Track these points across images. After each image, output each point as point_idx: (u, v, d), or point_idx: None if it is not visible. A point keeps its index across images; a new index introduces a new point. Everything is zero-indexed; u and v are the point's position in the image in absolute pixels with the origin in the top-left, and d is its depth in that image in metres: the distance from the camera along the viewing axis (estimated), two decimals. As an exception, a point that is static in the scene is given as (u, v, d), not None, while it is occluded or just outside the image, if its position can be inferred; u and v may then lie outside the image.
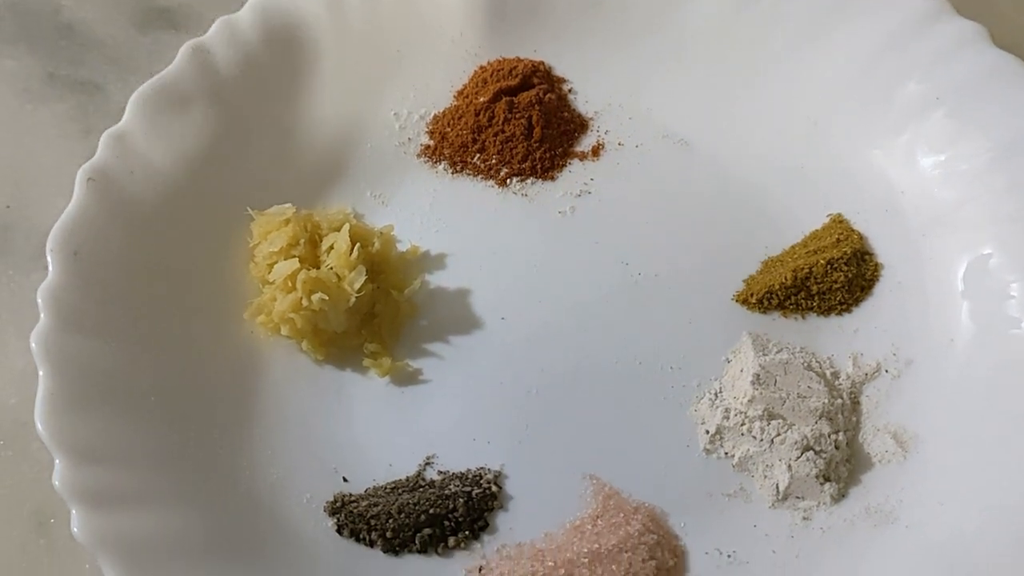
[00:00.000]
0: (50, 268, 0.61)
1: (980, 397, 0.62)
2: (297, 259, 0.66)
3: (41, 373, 0.57)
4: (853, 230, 0.70)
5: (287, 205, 0.69)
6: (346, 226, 0.67)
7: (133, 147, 0.67)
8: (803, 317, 0.68)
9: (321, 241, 0.68)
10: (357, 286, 0.66)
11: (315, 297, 0.64)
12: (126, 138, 0.67)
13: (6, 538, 0.61)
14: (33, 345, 0.57)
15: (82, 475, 0.54)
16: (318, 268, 0.66)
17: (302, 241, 0.67)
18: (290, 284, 0.65)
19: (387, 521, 0.60)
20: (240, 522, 0.58)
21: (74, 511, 0.53)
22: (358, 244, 0.67)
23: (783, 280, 0.68)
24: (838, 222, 0.71)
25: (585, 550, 0.58)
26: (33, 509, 0.62)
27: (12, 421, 0.65)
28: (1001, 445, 0.59)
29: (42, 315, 0.59)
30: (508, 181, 0.75)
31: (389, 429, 0.64)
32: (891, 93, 0.72)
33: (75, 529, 0.52)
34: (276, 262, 0.67)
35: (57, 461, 0.54)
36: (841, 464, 0.61)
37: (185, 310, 0.65)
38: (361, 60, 0.76)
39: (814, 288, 0.68)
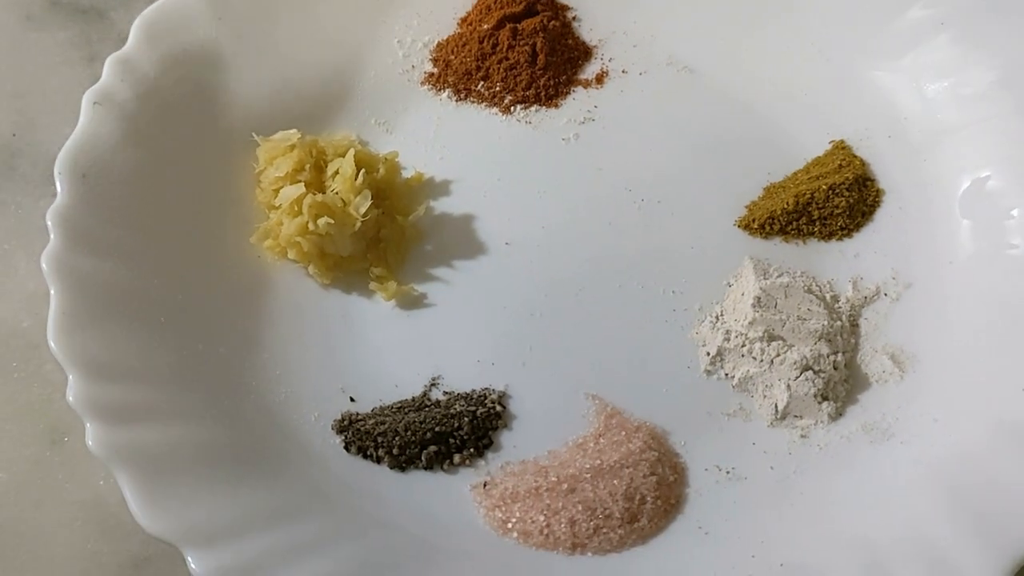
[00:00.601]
0: (59, 190, 0.61)
1: (976, 318, 0.62)
2: (303, 184, 0.66)
3: (52, 292, 0.57)
4: (855, 156, 0.71)
5: (292, 131, 0.69)
6: (351, 151, 0.68)
7: (138, 71, 0.67)
8: (804, 242, 0.69)
9: (326, 167, 0.69)
10: (363, 210, 0.66)
11: (321, 221, 0.65)
12: (130, 62, 0.67)
13: (20, 456, 0.62)
14: (44, 265, 0.58)
15: (95, 390, 0.55)
16: (324, 193, 0.67)
17: (307, 166, 0.68)
18: (296, 208, 0.66)
19: (393, 439, 0.61)
20: (250, 437, 0.59)
21: (89, 425, 0.54)
22: (363, 169, 0.67)
23: (785, 205, 0.68)
24: (840, 148, 0.71)
25: (587, 466, 0.60)
26: (47, 427, 0.63)
27: (25, 344, 0.66)
28: (995, 364, 0.60)
29: (52, 236, 0.59)
30: (512, 108, 0.75)
31: (395, 351, 0.65)
32: (895, 17, 0.72)
33: (90, 443, 0.53)
34: (282, 187, 0.67)
35: (71, 377, 0.55)
36: (839, 384, 0.62)
37: (192, 233, 0.66)
38: (365, -15, 0.76)
39: (815, 213, 0.68)
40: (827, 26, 0.74)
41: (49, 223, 0.60)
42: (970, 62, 0.69)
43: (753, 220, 0.69)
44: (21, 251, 0.69)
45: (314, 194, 0.66)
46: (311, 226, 0.65)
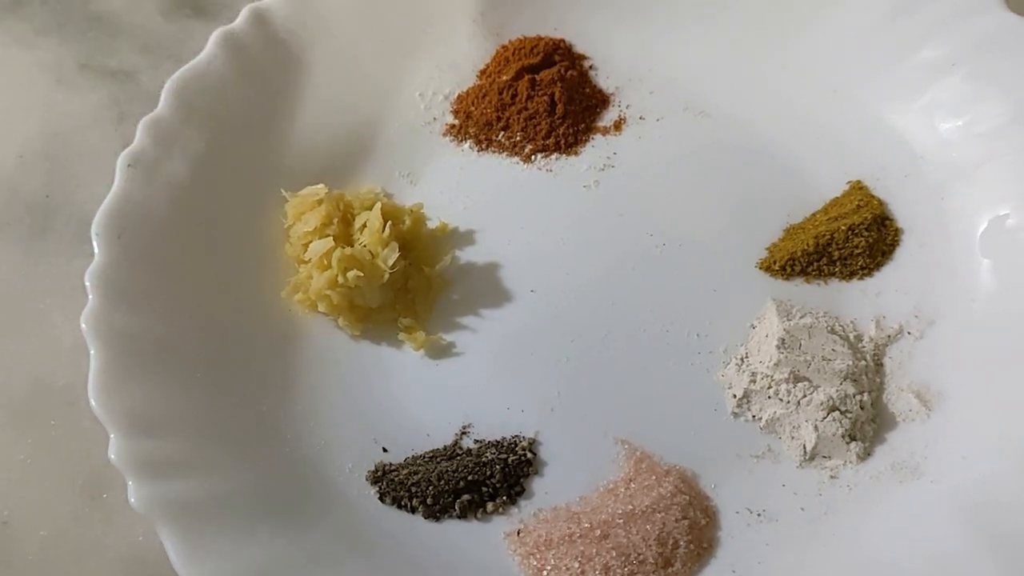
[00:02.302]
0: (96, 251, 0.63)
1: (1000, 354, 0.63)
2: (331, 237, 0.68)
3: (92, 351, 0.59)
4: (873, 196, 0.72)
5: (320, 186, 0.71)
6: (378, 204, 0.69)
7: (169, 133, 0.69)
8: (825, 282, 0.70)
9: (354, 220, 0.70)
10: (391, 262, 0.67)
11: (350, 274, 0.66)
12: (162, 124, 0.69)
13: (60, 512, 0.63)
14: (84, 325, 0.60)
15: (135, 447, 0.56)
16: (352, 246, 0.68)
17: (335, 220, 0.69)
18: (325, 262, 0.67)
19: (427, 488, 0.62)
20: (287, 489, 0.60)
21: (130, 482, 0.55)
22: (389, 222, 0.69)
23: (805, 247, 0.69)
24: (858, 188, 0.72)
25: (620, 511, 0.60)
26: (86, 483, 0.64)
27: (62, 401, 0.67)
28: (1019, 399, 0.60)
29: (90, 296, 0.61)
30: (533, 157, 0.76)
31: (425, 400, 0.66)
32: (908, 58, 0.73)
33: (132, 499, 0.54)
34: (311, 241, 0.69)
35: (112, 435, 0.56)
36: (866, 423, 0.63)
37: (225, 288, 0.67)
38: (386, 42, 0.78)
39: (835, 254, 0.69)
40: (841, 68, 0.75)
41: (88, 283, 0.61)
42: (983, 100, 0.70)
43: (774, 262, 0.70)
44: (57, 309, 0.71)
45: (343, 247, 0.67)
46: (340, 279, 0.66)
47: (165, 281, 0.64)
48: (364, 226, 0.69)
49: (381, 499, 0.62)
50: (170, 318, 0.63)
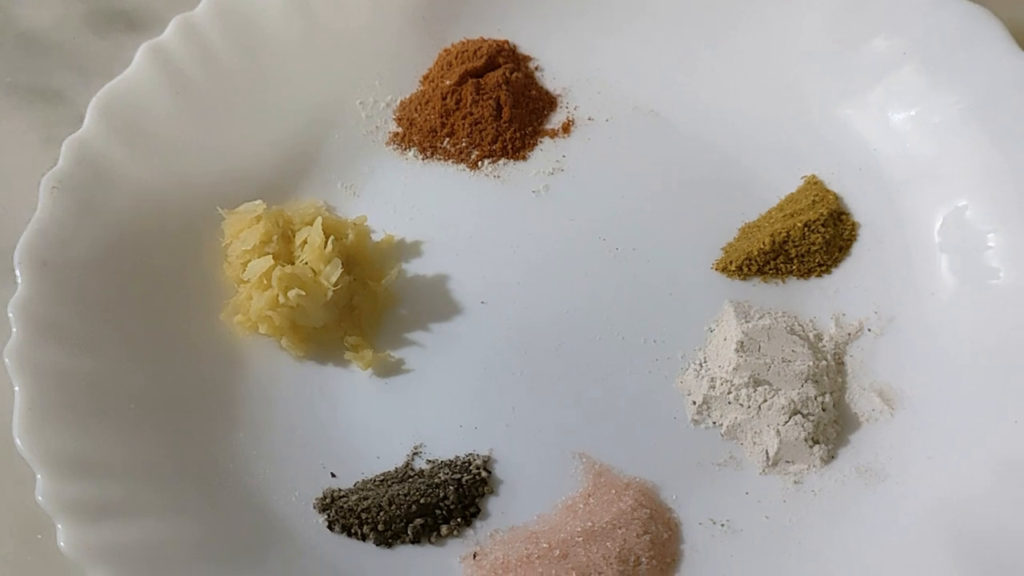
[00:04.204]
0: (19, 281, 0.60)
1: (962, 350, 0.62)
2: (271, 256, 0.65)
3: (17, 388, 0.56)
4: (828, 191, 0.70)
5: (257, 202, 0.68)
6: (319, 219, 0.67)
7: (96, 153, 0.66)
8: (783, 281, 0.68)
9: (294, 236, 0.67)
10: (333, 279, 0.65)
11: (292, 293, 0.64)
12: (88, 144, 0.66)
13: (-6, 556, 0.60)
14: (7, 360, 0.57)
15: (65, 488, 0.53)
16: (293, 264, 0.66)
17: (275, 237, 0.66)
18: (265, 282, 0.65)
19: (378, 514, 0.59)
20: (230, 525, 0.57)
21: (60, 525, 0.52)
22: (332, 237, 0.66)
23: (761, 246, 0.67)
24: (813, 183, 0.71)
25: (579, 529, 0.58)
26: (20, 525, 0.61)
27: (-8, 438, 0.64)
28: (984, 396, 0.59)
29: (14, 329, 0.58)
30: (480, 164, 0.74)
31: (375, 421, 0.64)
32: (859, 50, 0.72)
33: (62, 544, 0.52)
34: (250, 260, 0.66)
35: (39, 476, 0.53)
36: (829, 426, 0.61)
37: (160, 314, 0.64)
38: (323, 50, 0.75)
39: (792, 251, 0.68)
40: (792, 62, 0.73)
41: (11, 315, 0.58)
42: (936, 90, 0.69)
43: (730, 262, 0.68)
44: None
45: (283, 266, 0.65)
46: (281, 299, 0.64)
47: (94, 311, 0.61)
48: (305, 242, 0.66)
49: (330, 527, 0.59)
50: (100, 349, 0.60)
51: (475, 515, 0.60)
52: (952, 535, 0.54)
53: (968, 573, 0.52)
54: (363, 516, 0.59)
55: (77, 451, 0.55)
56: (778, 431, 0.61)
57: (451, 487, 0.60)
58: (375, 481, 0.61)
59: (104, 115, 0.67)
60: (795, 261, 0.68)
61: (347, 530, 0.59)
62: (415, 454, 0.63)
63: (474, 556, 0.58)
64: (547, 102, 0.77)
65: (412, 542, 0.59)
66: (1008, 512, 0.54)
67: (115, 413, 0.58)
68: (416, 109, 0.76)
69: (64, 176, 0.64)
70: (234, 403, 0.63)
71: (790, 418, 0.61)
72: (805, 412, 0.61)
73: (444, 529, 0.60)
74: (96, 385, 0.59)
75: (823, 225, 0.68)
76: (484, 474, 0.61)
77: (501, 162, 0.74)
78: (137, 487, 0.56)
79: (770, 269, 0.68)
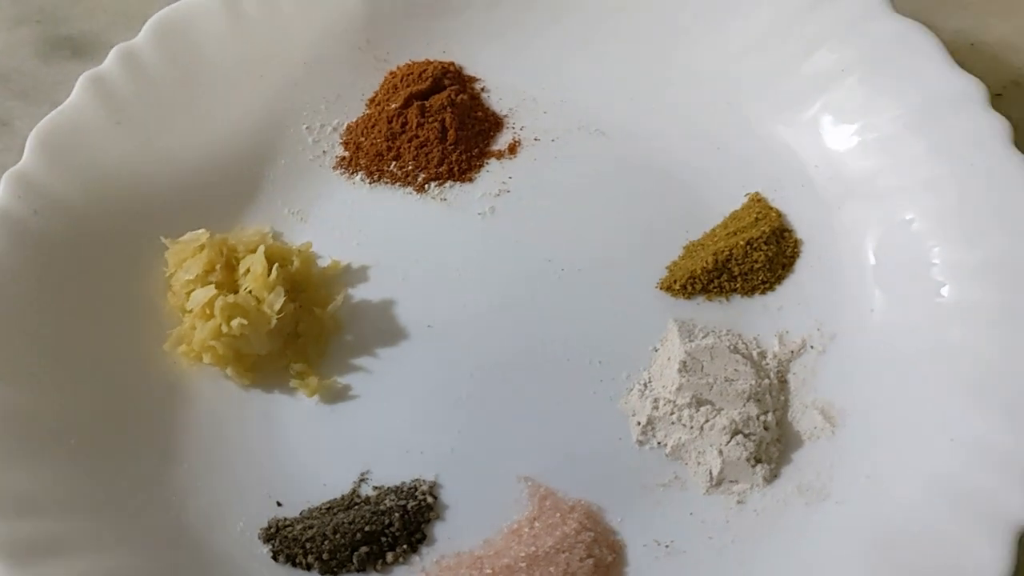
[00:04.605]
0: (-43, 317, 0.60)
1: (902, 366, 0.62)
2: (214, 285, 0.65)
3: (-48, 426, 0.56)
4: (771, 208, 0.70)
5: (201, 231, 0.68)
6: (261, 248, 0.67)
7: (35, 185, 0.65)
8: (727, 299, 0.68)
9: (238, 264, 0.67)
10: (277, 307, 0.65)
11: (235, 323, 0.64)
12: (27, 177, 0.65)
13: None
14: (-59, 399, 0.56)
15: (6, 528, 0.53)
16: (237, 292, 0.66)
17: (218, 266, 0.66)
18: (208, 311, 0.65)
19: (323, 543, 0.59)
20: (173, 559, 0.57)
21: (1, 566, 0.52)
22: (276, 264, 0.66)
23: (704, 264, 0.68)
24: (757, 201, 0.71)
25: (523, 554, 0.58)
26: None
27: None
28: (921, 414, 0.59)
29: (-50, 366, 0.58)
30: (426, 186, 0.74)
31: (321, 448, 0.64)
32: (797, 67, 0.72)
33: (1, 584, 0.51)
34: (193, 290, 0.66)
35: (-25, 517, 0.53)
36: (771, 444, 0.62)
37: (103, 346, 0.64)
38: (267, 76, 0.75)
39: (735, 270, 0.68)
40: (732, 80, 0.74)
41: (-52, 353, 0.58)
42: (875, 107, 0.69)
43: (675, 281, 0.68)
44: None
45: (225, 295, 0.65)
46: (225, 328, 0.64)
47: (35, 345, 0.61)
48: (248, 271, 0.66)
49: (274, 558, 0.59)
50: (40, 387, 0.60)
51: (421, 541, 0.60)
52: (892, 555, 0.54)
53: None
54: (307, 546, 0.59)
55: (15, 490, 0.55)
56: (720, 451, 0.61)
57: (397, 514, 0.60)
58: (321, 509, 0.61)
59: (43, 147, 0.67)
60: (739, 279, 0.68)
61: (291, 560, 0.59)
62: (362, 481, 0.63)
63: (419, 583, 0.59)
64: (493, 123, 0.77)
65: (358, 570, 0.59)
66: (946, 531, 0.54)
67: (54, 449, 0.58)
68: (363, 133, 0.76)
69: (3, 210, 0.64)
70: (180, 433, 0.63)
71: (732, 438, 0.61)
72: (747, 432, 0.61)
73: (390, 556, 0.60)
74: (36, 420, 0.59)
75: (765, 243, 0.68)
76: (430, 499, 0.61)
77: (448, 184, 0.74)
78: (79, 524, 0.56)
79: (714, 287, 0.68)
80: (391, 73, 0.78)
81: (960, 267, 0.64)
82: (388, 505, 0.61)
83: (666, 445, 0.63)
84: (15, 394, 0.59)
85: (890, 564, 0.54)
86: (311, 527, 0.60)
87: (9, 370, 0.59)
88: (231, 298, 0.64)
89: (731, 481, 0.61)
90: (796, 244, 0.69)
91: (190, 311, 0.65)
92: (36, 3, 0.87)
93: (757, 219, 0.69)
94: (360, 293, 0.70)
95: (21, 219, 0.64)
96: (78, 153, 0.68)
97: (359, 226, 0.72)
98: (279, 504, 0.62)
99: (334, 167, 0.75)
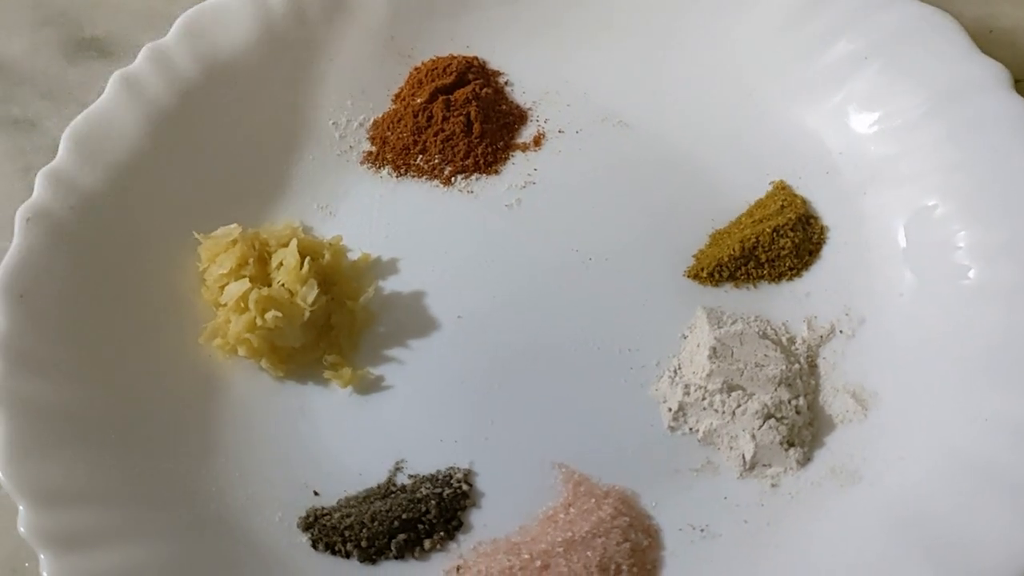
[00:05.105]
0: (-3, 314, 0.60)
1: (933, 349, 0.62)
2: (247, 279, 0.66)
3: (-2, 420, 0.57)
4: (796, 195, 0.71)
5: (233, 226, 0.69)
6: (294, 241, 0.67)
7: (70, 183, 0.66)
8: (755, 286, 0.69)
9: (271, 258, 0.68)
10: (310, 300, 0.66)
11: (269, 315, 0.64)
12: (62, 174, 0.66)
13: (-20, 588, 0.61)
14: (-13, 394, 0.57)
15: (48, 519, 0.54)
16: (270, 286, 0.66)
17: (251, 260, 0.67)
18: (243, 305, 0.65)
19: (361, 531, 0.60)
20: (213, 549, 0.58)
21: (43, 556, 0.53)
22: (308, 257, 0.67)
23: (731, 252, 0.68)
24: (781, 188, 0.72)
25: (559, 539, 0.59)
26: (5, 555, 0.61)
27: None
28: (954, 396, 0.59)
29: (-6, 361, 0.58)
30: (453, 179, 0.75)
31: (356, 438, 0.64)
32: (820, 55, 0.73)
33: (45, 575, 0.52)
34: (227, 284, 0.66)
35: (21, 508, 0.54)
36: (804, 428, 0.62)
37: (140, 341, 0.65)
38: (294, 73, 0.76)
39: (762, 256, 0.68)
40: (755, 69, 0.74)
41: (-10, 349, 0.59)
42: (898, 93, 0.70)
43: (702, 269, 0.69)
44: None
45: (259, 288, 0.65)
46: (259, 321, 0.64)
47: (73, 342, 0.62)
48: (281, 264, 0.67)
49: (314, 546, 0.60)
50: (80, 380, 0.61)
51: (457, 528, 0.61)
52: (922, 536, 0.54)
53: (936, 566, 0.53)
54: (346, 533, 0.60)
55: (58, 481, 0.56)
56: (753, 435, 0.62)
57: (433, 501, 0.61)
58: (358, 498, 0.62)
59: (77, 145, 0.67)
60: (766, 266, 0.69)
61: (331, 548, 0.60)
62: (397, 470, 0.63)
63: (457, 569, 0.59)
64: (517, 116, 0.77)
65: (396, 558, 0.60)
66: (978, 511, 0.54)
67: (96, 442, 0.59)
68: (389, 127, 0.76)
69: (38, 207, 0.64)
70: (216, 426, 0.64)
71: (764, 422, 0.62)
72: (779, 416, 0.62)
73: (427, 543, 0.60)
74: (76, 414, 0.59)
75: (792, 229, 0.69)
76: (465, 487, 0.62)
77: (474, 177, 0.75)
78: (119, 515, 0.56)
79: (741, 274, 0.69)
80: (416, 68, 0.78)
81: (986, 250, 0.64)
82: (424, 493, 0.61)
83: (698, 430, 0.63)
84: (53, 388, 0.60)
85: (923, 542, 0.54)
86: (349, 515, 0.61)
87: (46, 364, 0.60)
88: (265, 291, 0.65)
89: (764, 465, 0.62)
90: (822, 230, 0.70)
91: (224, 305, 0.66)
92: (59, 5, 0.88)
93: (783, 207, 0.70)
94: (390, 285, 0.70)
95: (57, 216, 0.65)
96: (111, 151, 0.68)
97: (387, 220, 0.73)
98: (316, 493, 0.62)
99: (361, 162, 0.76)
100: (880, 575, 0.54)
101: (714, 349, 0.64)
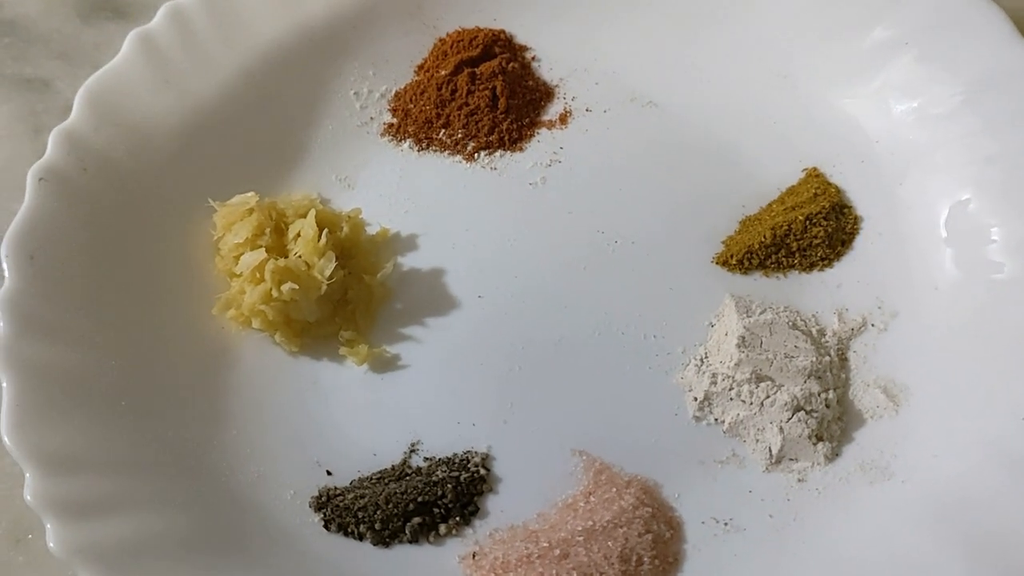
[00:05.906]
0: (6, 274, 0.58)
1: (966, 344, 0.61)
2: (264, 249, 0.64)
3: (4, 384, 0.55)
4: (830, 183, 0.69)
5: (250, 194, 0.67)
6: (312, 212, 0.65)
7: (84, 143, 0.64)
8: (785, 275, 0.67)
9: (287, 229, 0.66)
10: (327, 273, 0.64)
11: (285, 287, 0.62)
12: (76, 134, 0.64)
13: (-19, 557, 0.59)
14: (-6, 356, 0.55)
15: (54, 486, 0.52)
16: (286, 257, 0.64)
17: (268, 230, 0.65)
18: (258, 275, 0.63)
19: (375, 513, 0.58)
20: (222, 523, 0.56)
21: (48, 524, 0.51)
22: (326, 230, 0.65)
23: (762, 239, 0.66)
24: (814, 176, 0.70)
25: (580, 528, 0.57)
26: (9, 526, 0.60)
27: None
28: (990, 392, 0.58)
29: (1, 323, 0.56)
30: (476, 155, 0.73)
31: (371, 418, 0.63)
32: (859, 40, 0.71)
33: (51, 543, 0.50)
34: (242, 253, 0.64)
35: (27, 474, 0.52)
36: (833, 422, 0.60)
37: (151, 308, 0.63)
38: (315, 39, 0.73)
39: (794, 245, 0.67)
40: (790, 53, 0.72)
41: (-2, 310, 0.57)
42: (936, 81, 0.68)
43: (731, 256, 0.67)
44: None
45: (276, 259, 0.63)
46: (275, 293, 0.63)
47: (83, 304, 0.60)
48: (298, 235, 0.65)
49: (326, 527, 0.58)
50: (90, 344, 0.59)
51: (474, 514, 0.59)
52: (959, 533, 0.53)
53: (976, 572, 0.51)
54: (360, 515, 0.58)
55: (66, 448, 0.54)
56: (781, 428, 0.60)
57: (449, 485, 0.59)
58: (372, 479, 0.60)
59: (92, 105, 0.65)
60: (797, 255, 0.67)
61: (343, 529, 0.58)
62: (412, 451, 0.62)
63: (473, 556, 0.57)
64: (544, 93, 0.75)
65: (410, 541, 0.58)
66: (1016, 509, 0.53)
67: (104, 409, 0.57)
68: (411, 99, 0.74)
69: (51, 167, 0.62)
70: (227, 399, 0.62)
71: (793, 415, 0.60)
72: (808, 409, 0.60)
73: (443, 528, 0.58)
74: (85, 380, 0.57)
75: (825, 218, 0.67)
76: (483, 472, 0.60)
77: (498, 154, 0.73)
78: (127, 483, 0.55)
79: (771, 263, 0.67)
80: (440, 40, 0.76)
81: (1021, 245, 0.63)
82: (440, 476, 0.60)
83: (723, 421, 0.61)
84: (61, 352, 0.58)
85: (960, 538, 0.53)
86: (362, 497, 0.59)
87: (55, 328, 0.58)
88: (281, 262, 0.63)
89: (791, 459, 0.60)
90: (856, 220, 0.68)
91: (239, 275, 0.64)
92: (74, -34, 0.86)
93: (816, 194, 0.68)
94: (409, 261, 0.68)
95: (70, 176, 0.63)
96: (126, 111, 0.66)
97: (407, 194, 0.71)
98: (329, 473, 0.60)
99: (382, 134, 0.74)
100: (913, 571, 0.52)
101: (743, 338, 0.62)
